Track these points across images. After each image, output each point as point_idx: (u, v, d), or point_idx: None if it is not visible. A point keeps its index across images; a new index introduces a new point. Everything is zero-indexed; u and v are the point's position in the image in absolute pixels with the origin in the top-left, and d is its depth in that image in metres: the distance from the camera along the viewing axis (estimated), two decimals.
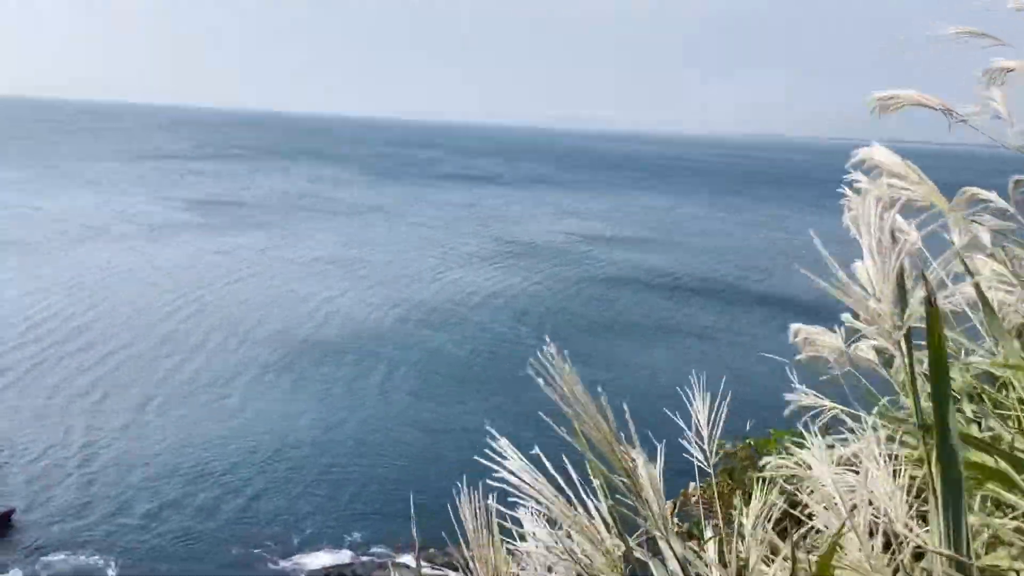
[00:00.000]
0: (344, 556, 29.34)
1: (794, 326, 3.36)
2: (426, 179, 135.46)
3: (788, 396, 3.03)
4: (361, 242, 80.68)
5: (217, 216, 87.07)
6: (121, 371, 44.68)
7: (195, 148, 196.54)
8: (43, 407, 39.63)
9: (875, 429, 2.03)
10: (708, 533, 1.98)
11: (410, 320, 56.73)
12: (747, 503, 2.00)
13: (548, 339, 1.85)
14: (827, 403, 2.85)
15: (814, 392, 2.95)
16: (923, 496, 1.76)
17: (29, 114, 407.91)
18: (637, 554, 1.82)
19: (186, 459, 35.74)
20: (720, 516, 2.25)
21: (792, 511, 2.05)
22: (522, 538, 1.95)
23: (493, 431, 1.92)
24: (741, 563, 1.86)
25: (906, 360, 1.63)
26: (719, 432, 2.21)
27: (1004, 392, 2.65)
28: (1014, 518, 2.08)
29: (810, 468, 1.99)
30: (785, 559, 1.86)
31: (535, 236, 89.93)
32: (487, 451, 1.90)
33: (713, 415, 2.25)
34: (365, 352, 49.72)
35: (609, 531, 1.81)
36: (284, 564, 28.89)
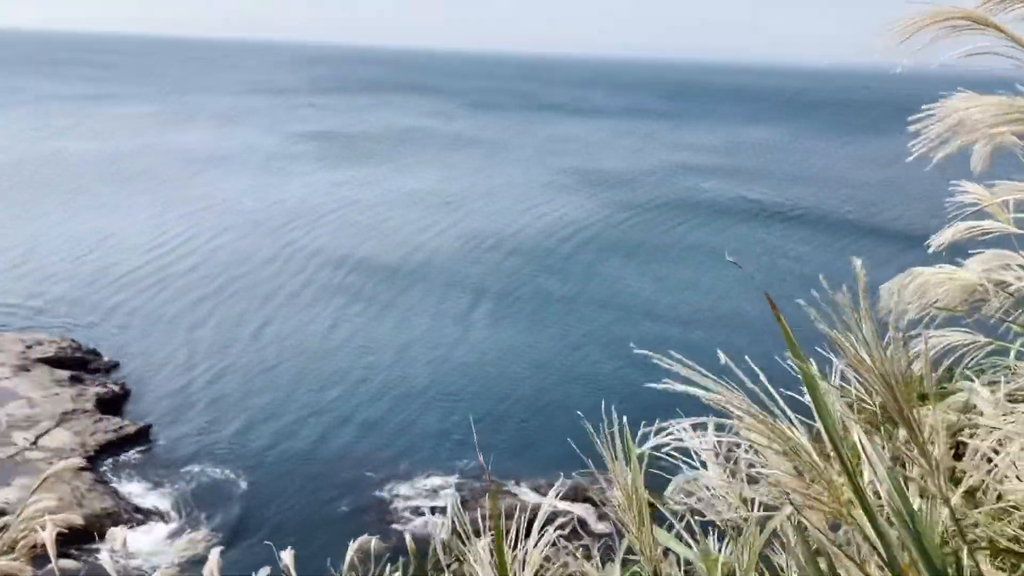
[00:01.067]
0: (454, 480, 30.33)
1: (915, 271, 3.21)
2: (532, 111, 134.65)
3: (931, 333, 2.90)
4: (465, 174, 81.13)
5: (329, 148, 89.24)
6: (240, 295, 47.00)
7: (311, 83, 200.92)
8: (169, 328, 42.16)
9: None
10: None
11: (517, 252, 57.10)
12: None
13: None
14: (980, 338, 2.70)
15: (963, 328, 2.80)
16: None
17: (179, 52, 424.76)
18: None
19: (306, 380, 37.60)
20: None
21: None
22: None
23: (666, 356, 1.90)
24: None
25: None
26: None
27: None
28: None
29: (978, 410, 1.89)
30: None
31: (641, 169, 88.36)
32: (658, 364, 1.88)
33: None
34: (476, 282, 50.53)
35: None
36: (399, 486, 30.17)
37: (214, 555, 4.30)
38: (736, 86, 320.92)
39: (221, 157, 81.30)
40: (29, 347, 36.84)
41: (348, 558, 3.50)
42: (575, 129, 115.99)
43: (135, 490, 29.34)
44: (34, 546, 6.18)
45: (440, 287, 49.82)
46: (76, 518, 6.79)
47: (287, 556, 4.48)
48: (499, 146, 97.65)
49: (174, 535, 26.85)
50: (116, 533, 26.30)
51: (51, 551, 3.42)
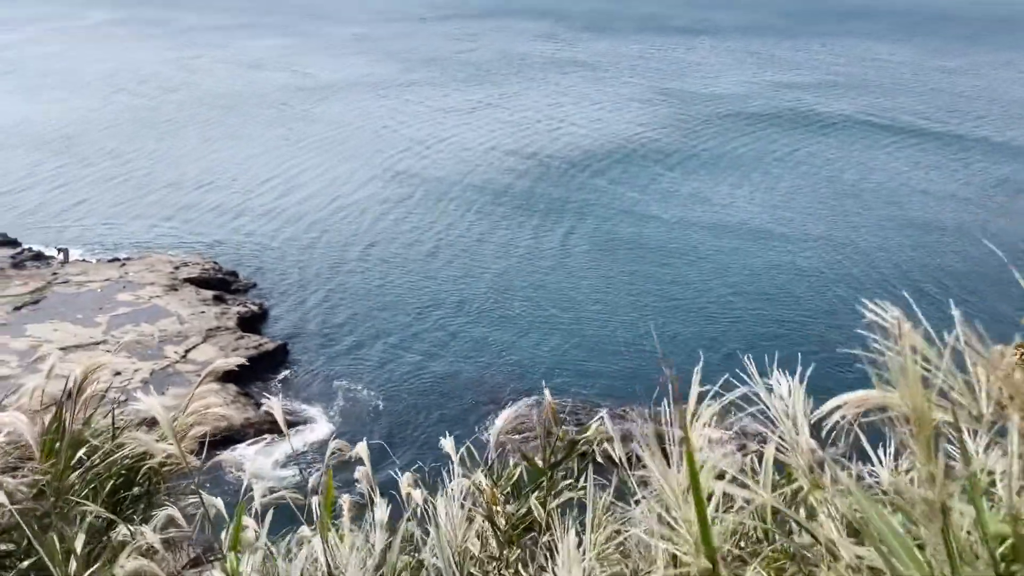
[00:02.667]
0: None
1: None
2: (650, 33, 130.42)
3: None
4: (573, 99, 79.92)
5: (444, 75, 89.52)
6: (361, 220, 48.67)
7: (432, 9, 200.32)
8: (299, 252, 44.28)
9: None
10: None
11: (620, 178, 56.54)
12: None
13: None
14: None
15: None
16: None
17: None
18: None
19: (424, 295, 39.06)
20: None
21: None
22: None
23: None
24: None
25: None
26: None
27: None
28: None
29: None
30: None
31: (758, 92, 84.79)
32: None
33: None
34: (578, 207, 50.55)
35: None
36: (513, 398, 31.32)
37: (362, 446, 4.93)
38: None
39: (343, 87, 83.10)
40: (177, 268, 39.59)
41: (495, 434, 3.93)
42: (694, 53, 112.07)
43: (272, 400, 31.57)
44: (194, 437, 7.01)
45: (547, 211, 50.14)
46: (232, 413, 7.68)
47: (361, 448, 4.82)
48: (611, 71, 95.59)
49: (308, 443, 28.89)
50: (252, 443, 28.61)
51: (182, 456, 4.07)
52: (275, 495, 4.31)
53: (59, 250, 41.52)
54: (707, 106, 77.87)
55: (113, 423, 5.99)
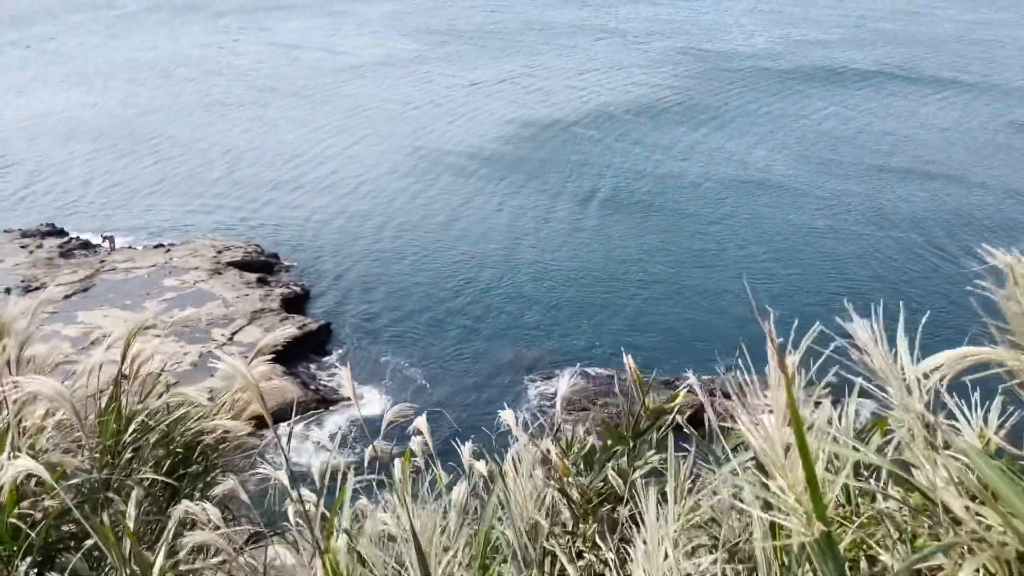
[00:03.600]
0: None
1: None
2: None
3: None
4: (602, 65, 78.82)
5: (464, 49, 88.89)
6: (394, 197, 48.80)
7: None
8: (337, 231, 44.53)
9: None
10: None
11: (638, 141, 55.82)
12: None
13: None
14: None
15: None
16: None
17: None
18: None
19: (465, 274, 39.11)
20: None
21: None
22: None
23: None
24: None
25: None
26: None
27: None
28: None
29: None
30: None
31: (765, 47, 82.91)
32: None
33: None
34: (598, 171, 50.07)
35: None
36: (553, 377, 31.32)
37: (421, 419, 4.82)
38: None
39: (375, 64, 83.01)
40: (220, 252, 40.04)
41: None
42: (726, 15, 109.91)
43: (321, 380, 31.98)
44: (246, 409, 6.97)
45: (580, 179, 49.81)
46: (290, 386, 7.67)
47: (421, 422, 4.72)
48: (639, 36, 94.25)
49: (359, 419, 29.15)
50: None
51: (265, 413, 3.98)
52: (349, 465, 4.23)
53: (105, 238, 42.20)
54: (742, 63, 76.43)
55: (168, 402, 5.96)
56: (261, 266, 40.18)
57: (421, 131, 60.94)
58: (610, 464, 2.94)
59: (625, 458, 2.97)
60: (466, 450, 4.53)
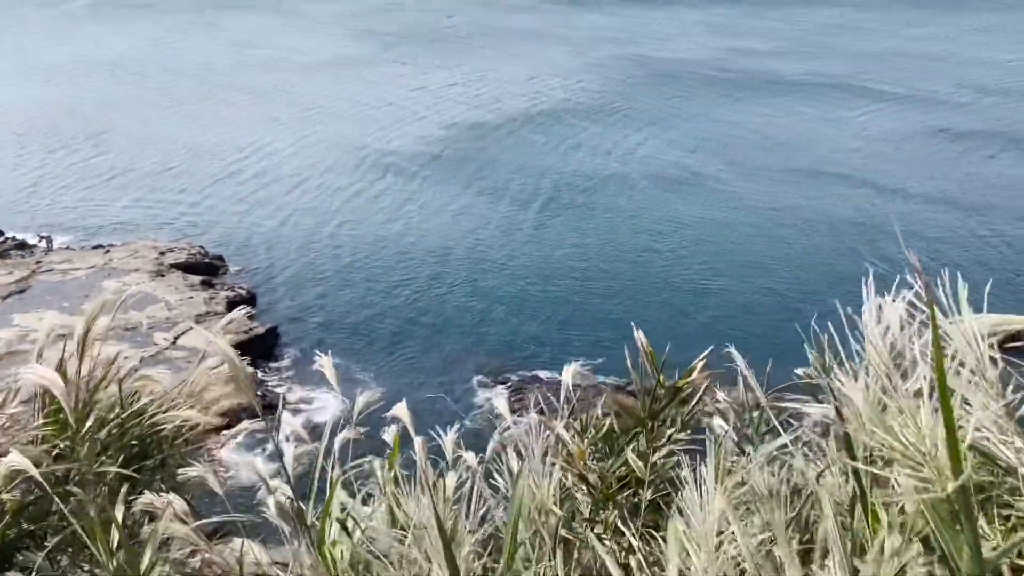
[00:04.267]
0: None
1: None
2: (619, 4, 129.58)
3: None
4: (551, 69, 79.26)
5: (423, 49, 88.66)
6: (345, 199, 48.32)
7: None
8: (284, 235, 43.83)
9: None
10: None
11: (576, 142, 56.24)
12: None
13: None
14: None
15: None
16: None
17: None
18: None
19: (412, 272, 38.79)
20: None
21: None
22: None
23: None
24: None
25: None
26: None
27: None
28: None
29: None
30: None
31: (707, 57, 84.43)
32: None
33: None
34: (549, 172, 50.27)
35: None
36: (526, 374, 31.19)
37: (401, 406, 4.64)
38: None
39: (316, 65, 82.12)
40: (163, 253, 39.02)
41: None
42: (671, 24, 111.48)
43: (269, 384, 31.31)
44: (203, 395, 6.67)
45: (524, 182, 49.95)
46: (242, 368, 7.37)
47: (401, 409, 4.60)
48: (586, 42, 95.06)
49: (305, 425, 28.60)
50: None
51: (249, 392, 3.78)
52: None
53: (42, 238, 40.85)
54: (687, 70, 77.52)
55: (121, 392, 5.67)
56: (205, 268, 39.25)
57: (367, 131, 60.47)
58: (629, 447, 2.80)
59: (644, 440, 2.83)
60: (449, 440, 4.35)
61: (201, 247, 41.00)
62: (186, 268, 38.37)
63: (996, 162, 53.60)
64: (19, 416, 5.12)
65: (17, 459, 3.03)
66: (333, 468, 3.37)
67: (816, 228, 44.11)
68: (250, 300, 37.63)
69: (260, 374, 32.09)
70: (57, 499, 3.17)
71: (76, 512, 3.96)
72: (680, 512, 2.01)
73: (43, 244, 40.34)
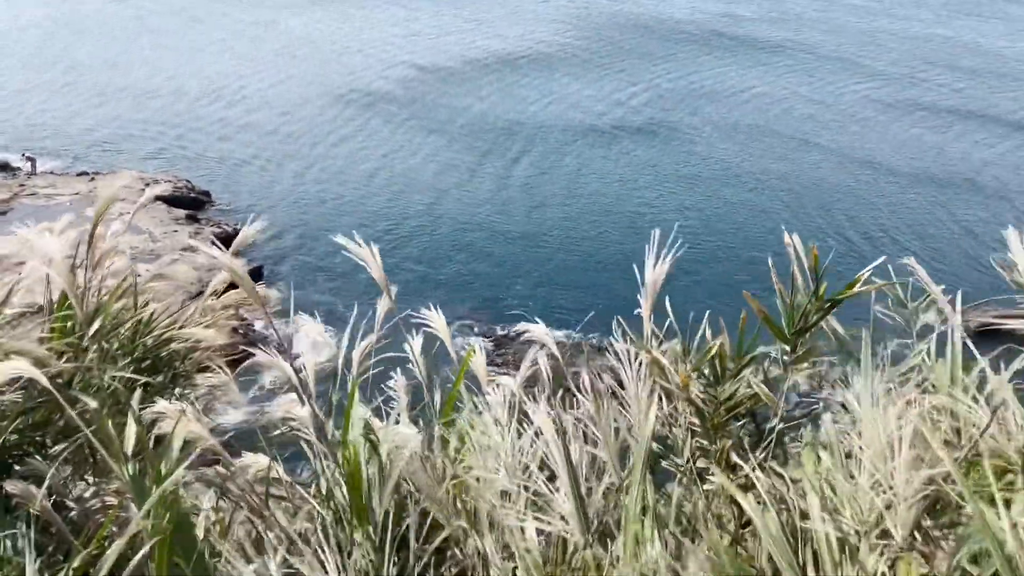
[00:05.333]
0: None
1: None
2: None
3: None
4: (536, 19, 78.09)
5: None
6: (331, 135, 47.57)
7: None
8: (270, 170, 43.16)
9: None
10: None
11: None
12: None
13: None
14: None
15: None
16: None
17: None
18: None
19: (398, 208, 38.36)
20: None
21: None
22: None
23: None
24: None
25: None
26: None
27: None
28: None
29: None
30: None
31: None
32: None
33: None
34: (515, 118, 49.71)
35: None
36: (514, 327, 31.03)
37: (436, 315, 4.36)
38: None
39: (299, 2, 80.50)
40: (147, 185, 38.19)
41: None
42: None
43: (254, 325, 30.97)
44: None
45: (511, 131, 49.39)
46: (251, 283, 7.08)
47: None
48: None
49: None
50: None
51: (256, 299, 3.49)
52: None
53: (26, 158, 39.88)
54: (656, 25, 76.61)
55: (136, 300, 5.37)
56: (191, 203, 38.55)
57: (356, 70, 59.47)
58: (748, 371, 2.53)
59: (778, 362, 2.55)
60: (480, 365, 4.05)
61: (187, 180, 40.25)
62: (171, 201, 37.64)
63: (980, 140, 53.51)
64: (20, 319, 4.81)
65: (22, 364, 2.72)
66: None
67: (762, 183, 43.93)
68: (236, 236, 37.12)
69: (244, 313, 31.69)
70: (64, 401, 2.87)
71: (84, 417, 3.68)
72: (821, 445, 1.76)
73: (27, 166, 39.42)
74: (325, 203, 40.53)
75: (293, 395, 4.01)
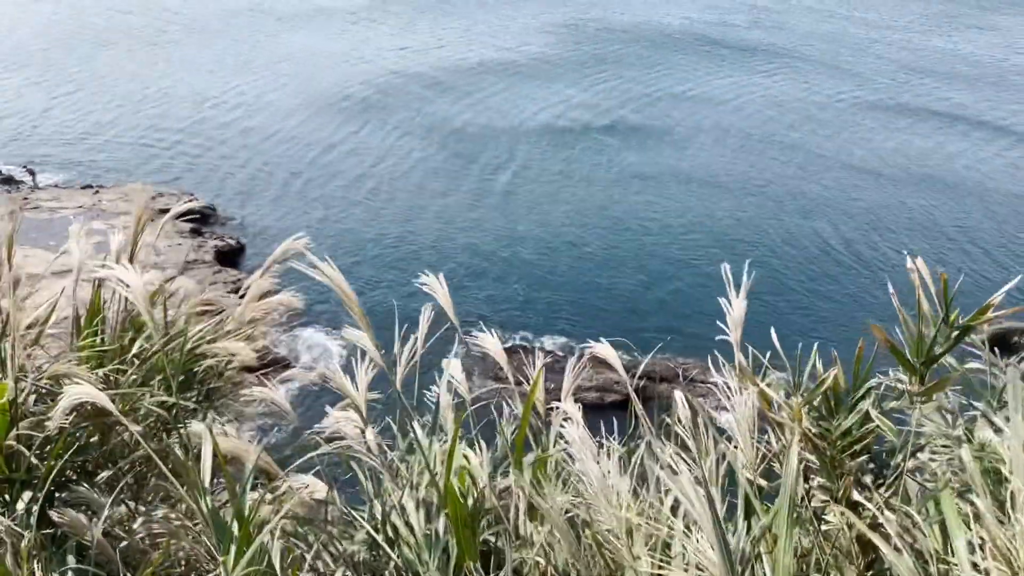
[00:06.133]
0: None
1: None
2: None
3: None
4: (521, 31, 78.37)
5: (411, 6, 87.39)
6: (329, 153, 47.52)
7: None
8: (275, 186, 43.10)
9: None
10: None
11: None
12: None
13: None
14: None
15: None
16: None
17: None
18: None
19: (398, 221, 38.25)
20: None
21: None
22: None
23: None
24: None
25: None
26: None
27: None
28: None
29: None
30: None
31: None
32: None
33: None
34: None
35: None
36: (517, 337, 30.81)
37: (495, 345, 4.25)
38: None
39: (310, 13, 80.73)
40: (153, 198, 38.19)
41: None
42: None
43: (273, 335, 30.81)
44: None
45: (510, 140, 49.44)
46: (296, 302, 6.96)
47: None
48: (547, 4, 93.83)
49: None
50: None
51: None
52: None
53: (28, 171, 39.83)
54: (652, 34, 76.85)
55: (165, 316, 5.25)
56: (196, 216, 38.49)
57: (359, 86, 59.45)
58: (868, 402, 2.39)
59: (904, 396, 2.41)
60: (538, 389, 3.91)
61: (192, 194, 40.19)
62: (176, 215, 37.48)
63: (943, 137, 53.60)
64: (53, 338, 4.69)
65: (87, 390, 2.60)
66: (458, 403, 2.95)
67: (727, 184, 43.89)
68: (239, 250, 37.02)
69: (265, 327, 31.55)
70: (130, 426, 2.75)
71: (128, 442, 3.55)
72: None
73: (29, 179, 39.37)
74: (329, 217, 40.47)
75: (341, 412, 3.88)
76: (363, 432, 3.20)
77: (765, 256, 38.57)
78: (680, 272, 37.18)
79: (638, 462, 2.62)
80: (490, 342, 3.66)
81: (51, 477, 3.29)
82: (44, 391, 3.36)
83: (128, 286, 3.33)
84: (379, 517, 2.85)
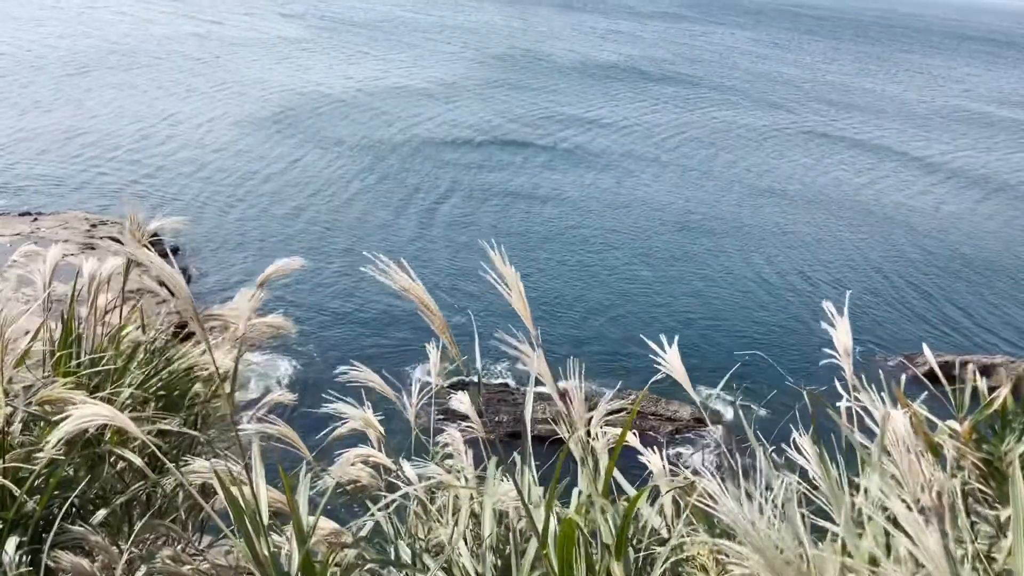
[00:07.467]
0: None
1: None
2: (559, 9, 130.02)
3: None
4: (452, 64, 79.11)
5: (361, 36, 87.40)
6: (282, 180, 46.92)
7: None
8: (220, 213, 42.24)
9: None
10: None
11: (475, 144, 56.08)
12: None
13: None
14: None
15: None
16: None
17: None
18: None
19: (352, 246, 37.61)
20: None
21: None
22: None
23: None
24: None
25: None
26: None
27: None
28: None
29: None
30: None
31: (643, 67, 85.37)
32: None
33: None
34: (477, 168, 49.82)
35: None
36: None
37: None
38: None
39: (255, 42, 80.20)
40: (94, 226, 36.98)
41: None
42: (580, 25, 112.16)
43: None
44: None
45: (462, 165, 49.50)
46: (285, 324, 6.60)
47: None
48: (488, 38, 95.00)
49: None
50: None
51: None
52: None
53: None
54: (596, 66, 78.10)
55: (153, 337, 4.91)
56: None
57: (307, 113, 59.25)
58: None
59: None
60: (597, 414, 3.61)
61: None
62: (119, 242, 36.37)
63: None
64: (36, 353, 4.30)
65: (106, 410, 2.24)
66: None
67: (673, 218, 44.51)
68: (185, 279, 36.09)
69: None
70: (168, 463, 2.40)
71: (124, 478, 3.16)
72: None
73: None
74: (278, 241, 39.73)
75: (358, 450, 3.57)
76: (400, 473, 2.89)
77: (700, 288, 38.99)
78: (616, 302, 37.28)
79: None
80: (535, 360, 3.38)
81: (39, 517, 2.90)
82: (32, 419, 2.97)
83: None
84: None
